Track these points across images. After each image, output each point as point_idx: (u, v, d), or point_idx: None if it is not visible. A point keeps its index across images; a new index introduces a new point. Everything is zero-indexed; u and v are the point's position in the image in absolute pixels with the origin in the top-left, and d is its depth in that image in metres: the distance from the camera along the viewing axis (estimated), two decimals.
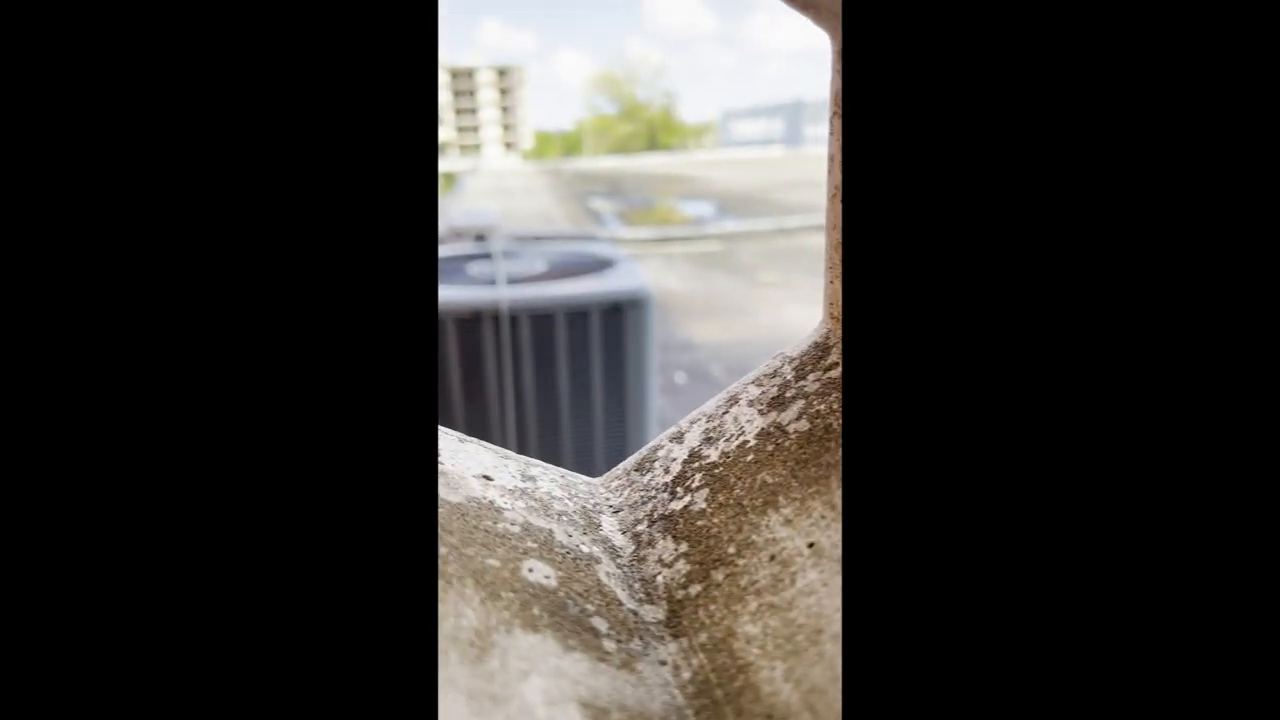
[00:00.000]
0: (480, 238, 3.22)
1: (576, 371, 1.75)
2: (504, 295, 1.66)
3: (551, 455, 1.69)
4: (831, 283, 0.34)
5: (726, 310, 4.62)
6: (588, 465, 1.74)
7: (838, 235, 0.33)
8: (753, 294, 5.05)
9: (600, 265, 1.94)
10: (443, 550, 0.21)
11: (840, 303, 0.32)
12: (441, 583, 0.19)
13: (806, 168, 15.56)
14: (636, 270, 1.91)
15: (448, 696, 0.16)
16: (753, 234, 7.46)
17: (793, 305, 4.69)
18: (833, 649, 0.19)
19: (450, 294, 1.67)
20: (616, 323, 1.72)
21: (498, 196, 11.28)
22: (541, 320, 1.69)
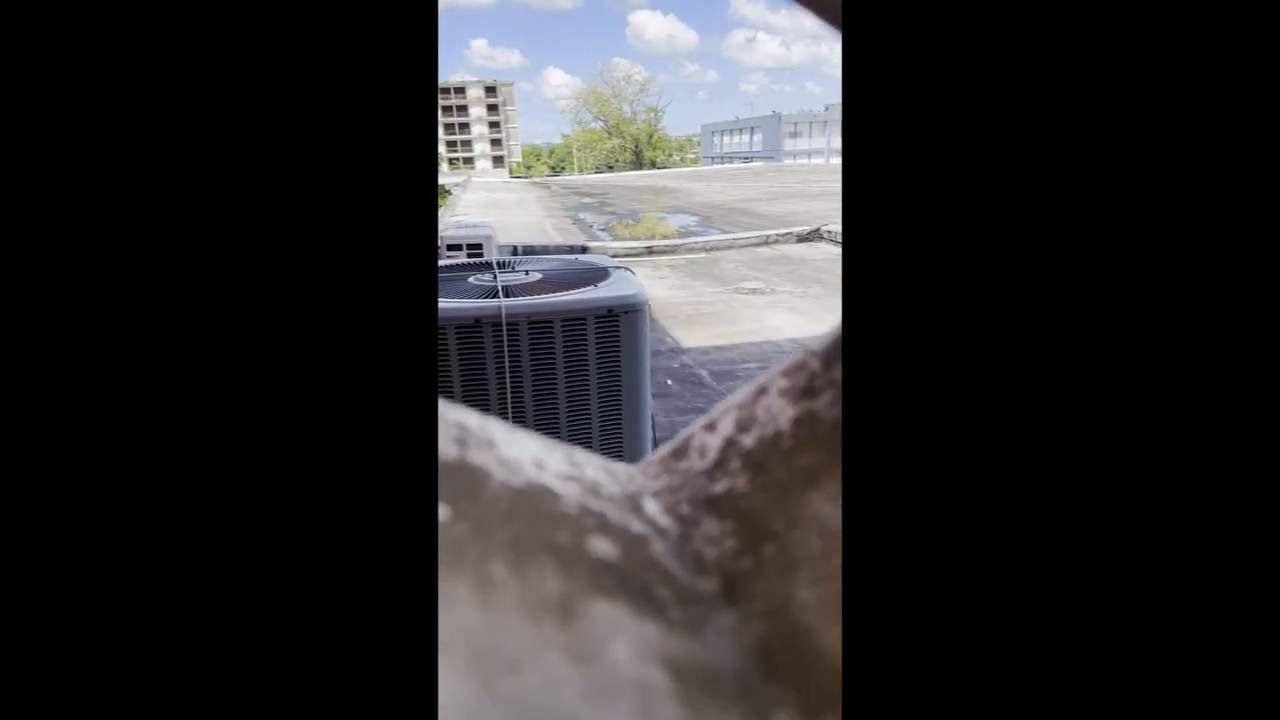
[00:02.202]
0: (475, 249, 3.23)
1: (573, 375, 1.76)
2: (502, 304, 1.67)
3: None
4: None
5: (712, 317, 4.66)
6: None
7: None
8: (736, 301, 5.10)
9: (595, 274, 1.96)
10: (517, 527, 0.22)
11: None
12: (523, 557, 0.20)
13: (786, 180, 15.79)
14: (630, 279, 1.93)
15: (545, 655, 0.17)
16: (736, 244, 7.55)
17: (775, 311, 4.75)
18: None
19: (450, 304, 1.68)
20: (612, 328, 1.74)
21: (490, 210, 11.27)
22: (539, 327, 1.70)
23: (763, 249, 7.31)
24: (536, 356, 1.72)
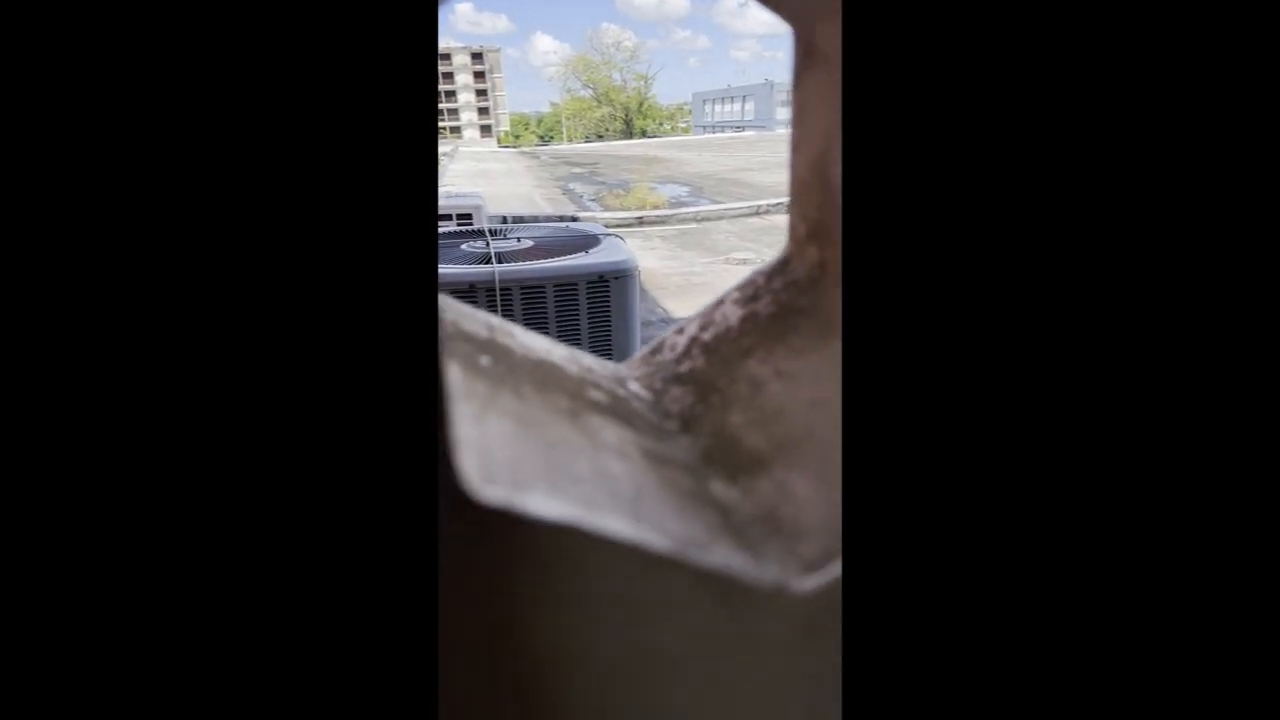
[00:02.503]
0: (465, 219, 3.28)
1: (565, 339, 1.84)
2: (495, 269, 1.74)
3: None
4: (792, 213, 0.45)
5: (703, 288, 4.73)
6: None
7: (797, 178, 0.44)
8: (728, 271, 5.16)
9: (586, 241, 2.03)
10: (539, 375, 0.31)
11: (798, 228, 0.43)
12: (544, 386, 0.30)
13: (779, 150, 15.67)
14: (620, 245, 2.01)
15: (558, 427, 0.27)
16: (727, 214, 7.58)
17: None
18: (791, 419, 0.30)
19: (444, 269, 1.75)
20: (603, 293, 1.82)
21: (479, 180, 11.18)
22: (532, 291, 1.78)
23: (754, 219, 7.35)
24: (529, 321, 1.80)
